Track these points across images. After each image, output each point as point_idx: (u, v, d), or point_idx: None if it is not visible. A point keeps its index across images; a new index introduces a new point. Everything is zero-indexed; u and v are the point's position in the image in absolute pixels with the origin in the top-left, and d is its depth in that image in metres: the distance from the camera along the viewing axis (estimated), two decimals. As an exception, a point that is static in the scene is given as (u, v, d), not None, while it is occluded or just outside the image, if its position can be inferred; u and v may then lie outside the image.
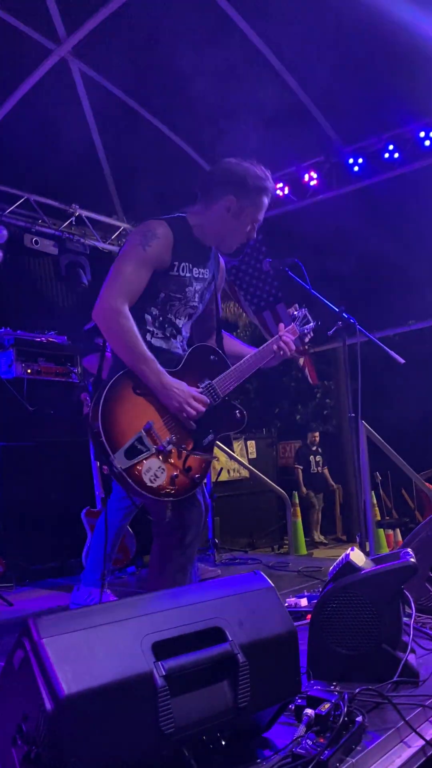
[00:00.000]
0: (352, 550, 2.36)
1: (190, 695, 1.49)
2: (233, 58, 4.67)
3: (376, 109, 4.85)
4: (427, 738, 1.82)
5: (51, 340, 4.95)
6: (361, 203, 5.50)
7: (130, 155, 5.83)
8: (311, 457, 11.44)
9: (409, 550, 2.37)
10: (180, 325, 2.42)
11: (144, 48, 4.79)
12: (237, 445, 10.68)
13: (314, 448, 11.46)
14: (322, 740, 1.59)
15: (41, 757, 1.33)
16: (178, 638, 1.52)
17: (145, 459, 2.16)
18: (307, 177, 5.59)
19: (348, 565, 2.23)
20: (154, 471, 2.17)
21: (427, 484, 7.47)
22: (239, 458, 7.46)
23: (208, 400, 2.32)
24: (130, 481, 2.13)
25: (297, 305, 2.83)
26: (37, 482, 4.67)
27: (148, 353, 2.21)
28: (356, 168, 5.29)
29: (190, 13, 4.54)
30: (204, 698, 1.51)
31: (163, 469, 2.20)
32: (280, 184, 5.77)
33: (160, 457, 2.20)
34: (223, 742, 1.57)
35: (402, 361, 3.16)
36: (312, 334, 2.76)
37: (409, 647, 2.24)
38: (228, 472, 9.91)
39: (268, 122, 5.28)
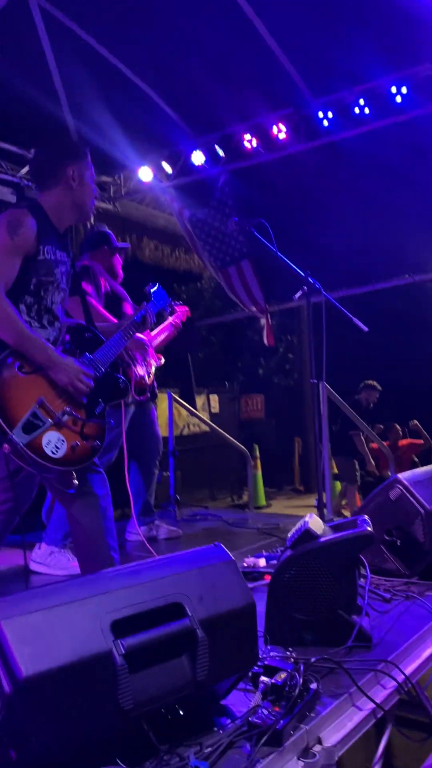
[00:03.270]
0: (311, 517, 2.39)
1: (149, 671, 1.50)
2: (203, 2, 4.45)
3: (347, 61, 4.70)
4: (378, 701, 1.89)
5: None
6: (329, 158, 5.39)
7: (92, 97, 5.56)
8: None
9: (366, 517, 2.42)
10: (56, 311, 2.52)
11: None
12: (200, 400, 10.72)
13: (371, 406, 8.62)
14: (277, 709, 1.64)
15: (1, 738, 1.34)
16: (137, 615, 1.52)
17: (44, 432, 2.24)
18: (275, 129, 5.43)
19: (306, 533, 2.27)
20: (54, 443, 2.26)
21: (385, 443, 7.63)
22: (200, 414, 7.48)
23: (95, 374, 2.46)
24: (33, 455, 2.20)
25: (152, 283, 3.11)
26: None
27: (33, 333, 2.31)
28: (326, 122, 5.16)
29: None
30: (163, 673, 1.53)
31: (62, 440, 2.29)
32: (248, 136, 5.61)
33: (58, 428, 2.29)
34: (181, 712, 1.61)
35: (365, 329, 3.16)
36: (176, 308, 3.14)
37: (364, 611, 2.31)
38: (188, 426, 9.98)
39: (237, 70, 5.10)
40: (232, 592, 1.71)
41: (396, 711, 2.12)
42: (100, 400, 2.48)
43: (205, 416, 9.56)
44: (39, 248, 2.37)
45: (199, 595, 1.65)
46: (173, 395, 5.80)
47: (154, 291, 2.96)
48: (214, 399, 11.22)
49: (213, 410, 11.06)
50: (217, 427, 6.50)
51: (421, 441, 9.43)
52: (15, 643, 1.34)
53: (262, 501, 10.78)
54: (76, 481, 2.31)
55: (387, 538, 2.95)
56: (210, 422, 7.00)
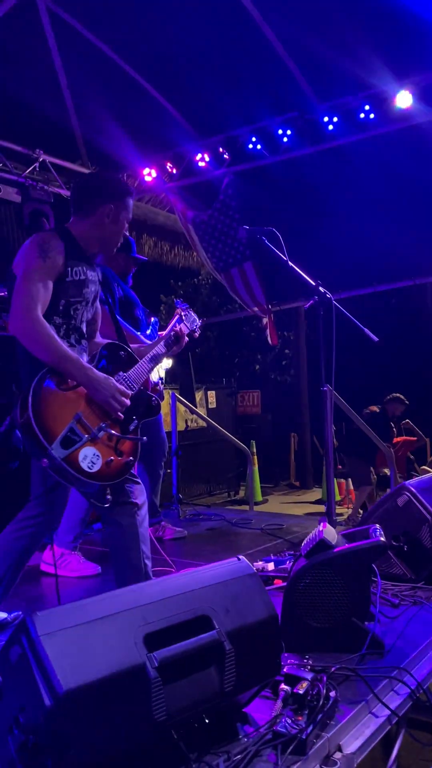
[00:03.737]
0: (324, 526, 2.45)
1: (180, 682, 1.56)
2: (211, 6, 4.46)
3: (352, 67, 4.73)
4: (392, 707, 1.96)
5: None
6: (333, 162, 5.43)
7: (97, 98, 5.57)
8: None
9: (377, 526, 2.48)
10: (84, 329, 2.58)
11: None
12: (197, 396, 10.77)
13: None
14: (300, 718, 1.70)
15: (40, 746, 1.39)
16: (168, 629, 1.58)
17: (81, 447, 2.29)
18: (280, 132, 5.46)
19: (322, 543, 2.32)
20: (90, 458, 2.31)
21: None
22: (199, 411, 7.53)
23: (130, 392, 2.51)
24: (71, 470, 2.25)
25: (182, 303, 3.13)
26: (5, 436, 4.62)
27: (71, 353, 2.36)
28: (330, 126, 5.19)
29: None
30: (193, 685, 1.58)
31: (98, 455, 2.34)
32: (253, 138, 5.64)
33: (94, 444, 2.34)
34: (207, 720, 1.66)
35: (376, 339, 3.21)
36: (199, 330, 3.09)
37: (376, 618, 2.37)
38: (186, 422, 10.03)
39: (243, 73, 5.13)
40: (255, 605, 1.77)
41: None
42: (134, 417, 2.53)
43: (202, 412, 9.62)
44: (67, 270, 2.43)
45: (225, 607, 1.70)
46: (176, 395, 5.84)
47: (186, 314, 3.00)
48: (212, 395, 11.28)
49: (210, 405, 11.12)
50: (217, 425, 6.55)
51: (415, 438, 9.54)
52: (54, 658, 1.39)
53: (259, 497, 10.85)
54: (110, 497, 2.35)
55: (394, 543, 3.01)
56: (210, 419, 7.04)
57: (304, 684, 1.77)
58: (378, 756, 2.25)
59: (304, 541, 2.46)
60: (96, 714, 1.40)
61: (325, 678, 1.78)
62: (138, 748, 1.47)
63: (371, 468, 8.37)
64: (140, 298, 4.12)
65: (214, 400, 11.29)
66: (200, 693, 1.59)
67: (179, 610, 1.62)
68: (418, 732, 2.44)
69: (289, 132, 5.42)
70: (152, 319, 4.12)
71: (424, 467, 9.35)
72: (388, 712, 1.93)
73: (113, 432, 2.41)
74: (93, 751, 1.39)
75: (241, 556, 1.90)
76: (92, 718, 1.39)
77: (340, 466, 11.02)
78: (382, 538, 2.32)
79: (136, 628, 1.53)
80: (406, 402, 8.30)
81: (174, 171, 6.22)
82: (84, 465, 2.28)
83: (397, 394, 8.35)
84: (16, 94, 5.04)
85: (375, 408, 8.22)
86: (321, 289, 3.13)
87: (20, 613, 2.76)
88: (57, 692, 1.35)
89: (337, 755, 1.70)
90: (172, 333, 2.88)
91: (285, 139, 5.46)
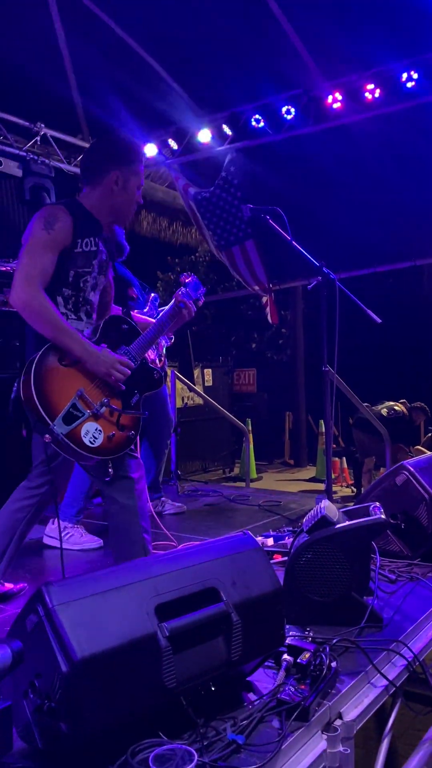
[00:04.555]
0: (326, 502, 2.50)
1: (189, 651, 1.61)
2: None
3: (359, 45, 4.68)
4: (390, 678, 2.03)
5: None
6: (337, 140, 5.40)
7: (100, 72, 5.51)
8: None
9: (377, 504, 2.53)
10: (94, 302, 2.58)
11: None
12: (195, 373, 10.82)
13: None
14: (303, 687, 1.76)
15: (55, 710, 1.44)
16: (178, 600, 1.63)
17: (83, 423, 2.33)
18: (284, 110, 5.42)
19: (323, 519, 2.38)
20: (92, 433, 2.35)
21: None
22: (196, 388, 7.57)
23: (132, 364, 2.52)
24: (73, 445, 2.29)
25: (186, 273, 3.10)
26: (4, 412, 4.65)
27: (69, 326, 2.37)
28: (335, 105, 5.16)
29: None
30: (201, 654, 1.64)
31: (100, 430, 2.38)
32: (257, 115, 5.60)
33: (96, 419, 2.38)
34: (213, 688, 1.72)
35: (379, 320, 3.23)
36: (203, 299, 3.04)
37: (375, 593, 2.44)
38: (182, 399, 10.08)
39: (248, 49, 5.08)
40: (261, 578, 1.82)
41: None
42: (136, 391, 2.56)
43: (199, 390, 9.66)
44: (76, 241, 2.42)
45: (232, 580, 1.75)
46: (176, 372, 5.88)
47: (189, 281, 2.96)
48: (208, 373, 11.32)
49: (207, 383, 11.17)
50: (215, 403, 6.60)
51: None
52: (70, 626, 1.44)
53: (254, 474, 10.97)
54: (111, 470, 2.40)
55: (392, 521, 3.07)
56: (208, 397, 7.09)
57: (307, 655, 1.83)
58: (371, 726, 2.34)
59: (306, 518, 2.51)
60: (109, 680, 1.45)
61: (328, 649, 1.84)
62: (148, 713, 1.53)
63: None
64: (138, 274, 4.11)
65: (211, 378, 11.34)
66: (208, 662, 1.64)
67: (189, 582, 1.67)
68: (412, 704, 2.53)
69: (293, 110, 5.39)
70: (152, 295, 4.13)
71: (417, 447, 9.46)
72: (386, 682, 2.00)
73: (114, 407, 2.44)
74: (106, 715, 1.44)
75: (246, 531, 1.95)
76: (106, 684, 1.45)
77: (334, 446, 11.12)
78: (383, 516, 2.38)
79: (148, 599, 1.58)
80: (428, 414, 8.36)
81: (176, 147, 6.17)
82: (86, 440, 2.32)
83: (422, 404, 8.38)
84: (17, 66, 4.98)
85: (403, 408, 8.22)
86: (325, 269, 3.15)
87: (25, 585, 2.81)
88: (73, 659, 1.40)
89: (338, 722, 1.77)
90: (171, 306, 2.87)
91: (289, 117, 5.43)
